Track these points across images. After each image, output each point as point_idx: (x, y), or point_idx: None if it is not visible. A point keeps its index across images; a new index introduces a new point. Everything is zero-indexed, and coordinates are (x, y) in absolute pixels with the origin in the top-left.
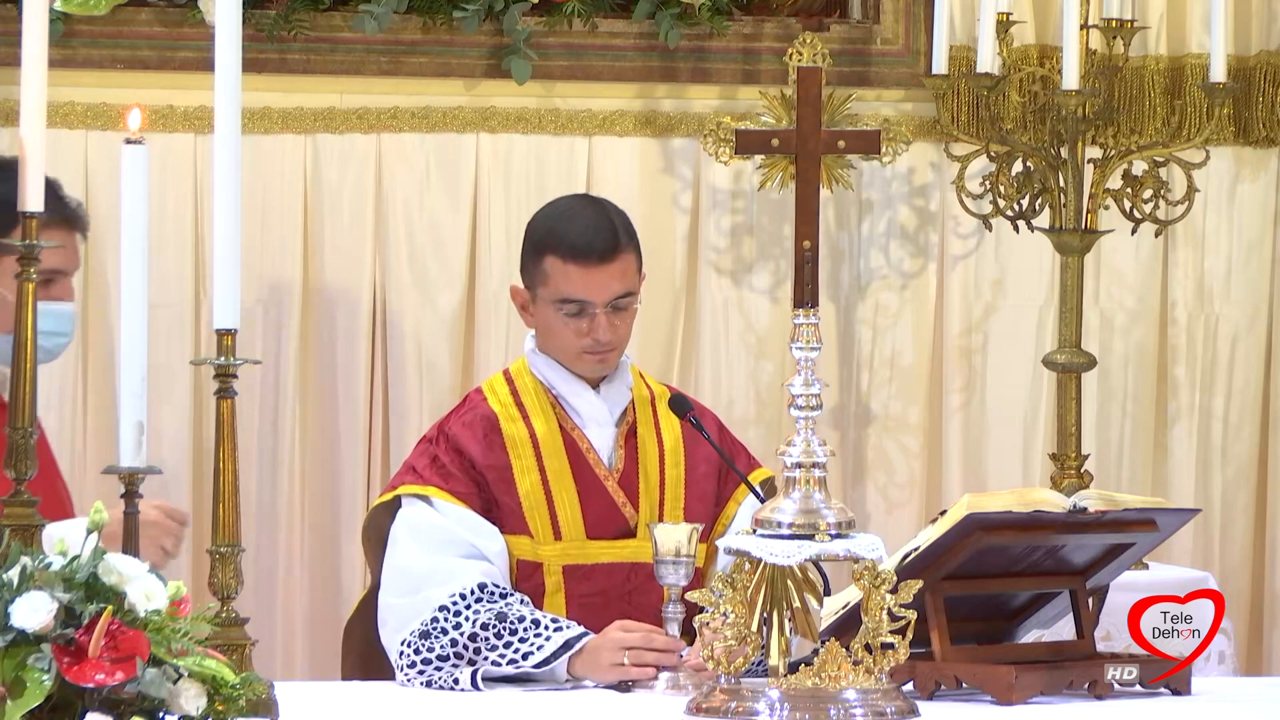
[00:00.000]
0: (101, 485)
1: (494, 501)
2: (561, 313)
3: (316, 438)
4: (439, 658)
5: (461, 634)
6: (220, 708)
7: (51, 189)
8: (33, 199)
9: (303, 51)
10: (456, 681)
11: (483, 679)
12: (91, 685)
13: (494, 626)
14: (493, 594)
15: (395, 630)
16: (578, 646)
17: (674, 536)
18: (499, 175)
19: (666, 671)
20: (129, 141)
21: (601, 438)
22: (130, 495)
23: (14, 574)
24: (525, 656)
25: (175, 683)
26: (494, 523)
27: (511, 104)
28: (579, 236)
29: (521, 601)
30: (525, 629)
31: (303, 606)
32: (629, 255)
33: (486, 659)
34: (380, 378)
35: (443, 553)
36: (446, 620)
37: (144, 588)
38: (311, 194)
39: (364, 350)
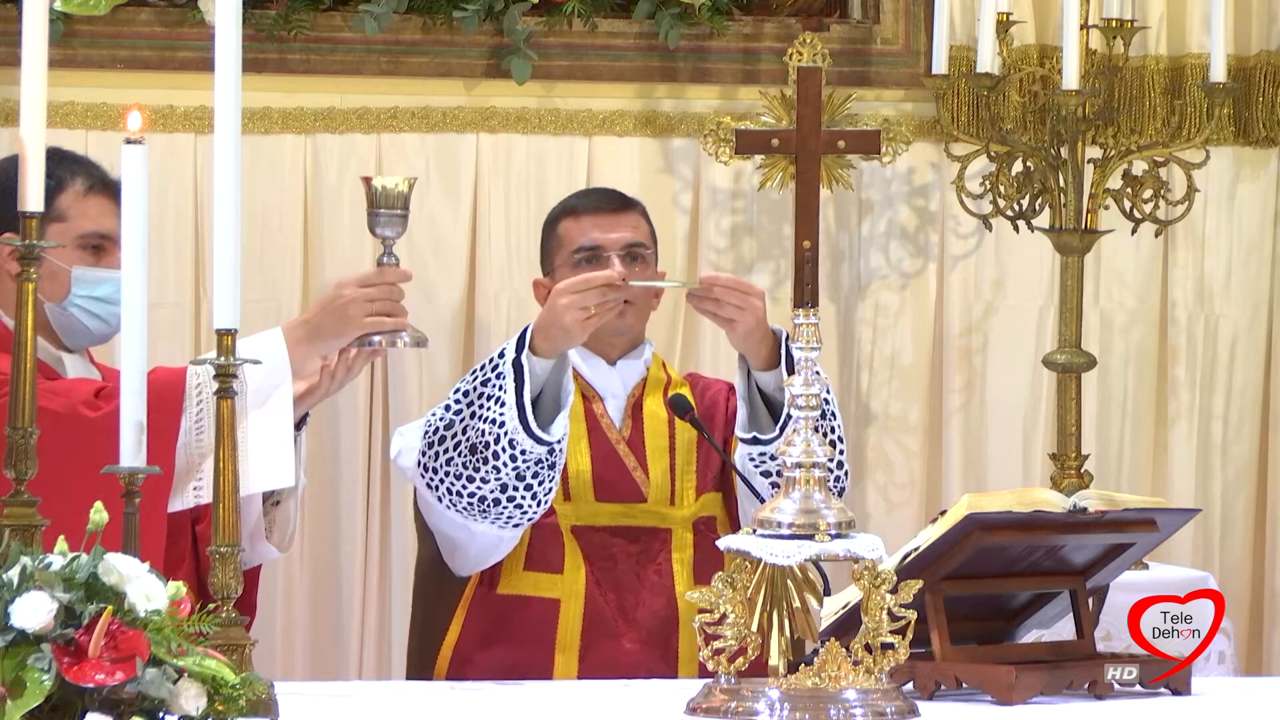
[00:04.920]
0: None
1: None
2: (579, 266)
3: (316, 437)
4: (447, 427)
5: (450, 406)
6: (220, 708)
7: (95, 165)
8: (33, 199)
9: (303, 51)
10: (494, 421)
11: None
12: (91, 685)
13: (465, 387)
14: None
15: (410, 466)
16: (529, 331)
17: (390, 184)
18: (499, 175)
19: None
20: (129, 141)
21: (614, 407)
22: (130, 495)
23: (14, 574)
24: (501, 354)
25: (175, 683)
26: None
27: (511, 104)
28: (589, 197)
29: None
30: (484, 368)
31: (303, 606)
32: (640, 217)
33: (482, 394)
34: (380, 377)
35: None
36: (435, 418)
37: (144, 588)
38: (311, 194)
39: None
